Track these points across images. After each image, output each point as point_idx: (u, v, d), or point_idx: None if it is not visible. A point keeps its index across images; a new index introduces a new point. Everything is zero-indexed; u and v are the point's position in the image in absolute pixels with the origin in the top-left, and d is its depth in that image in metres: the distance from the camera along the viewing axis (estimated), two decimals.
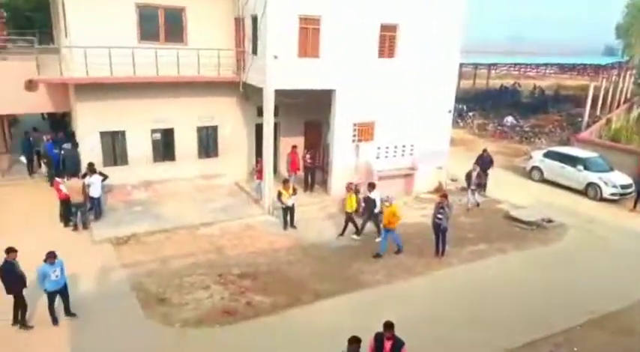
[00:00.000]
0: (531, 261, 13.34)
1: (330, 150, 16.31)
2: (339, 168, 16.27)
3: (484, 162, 18.07)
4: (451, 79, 17.73)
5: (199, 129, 16.72)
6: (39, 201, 15.09)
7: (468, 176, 16.85)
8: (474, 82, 43.83)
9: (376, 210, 13.62)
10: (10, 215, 14.24)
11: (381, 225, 13.34)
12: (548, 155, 20.44)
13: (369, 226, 14.05)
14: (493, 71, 44.02)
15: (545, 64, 37.45)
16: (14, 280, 9.08)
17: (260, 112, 15.50)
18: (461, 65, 18.48)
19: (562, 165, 19.59)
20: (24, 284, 9.25)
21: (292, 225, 14.26)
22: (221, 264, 12.15)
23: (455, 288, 11.80)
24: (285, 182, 14.36)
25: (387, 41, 15.79)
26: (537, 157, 20.84)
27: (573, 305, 11.17)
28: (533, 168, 20.73)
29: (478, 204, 17.02)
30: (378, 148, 16.83)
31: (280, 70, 14.19)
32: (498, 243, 14.32)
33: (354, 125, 16.22)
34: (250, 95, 16.38)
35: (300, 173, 16.86)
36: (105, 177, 14.09)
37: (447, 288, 11.79)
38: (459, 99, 19.58)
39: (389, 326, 7.28)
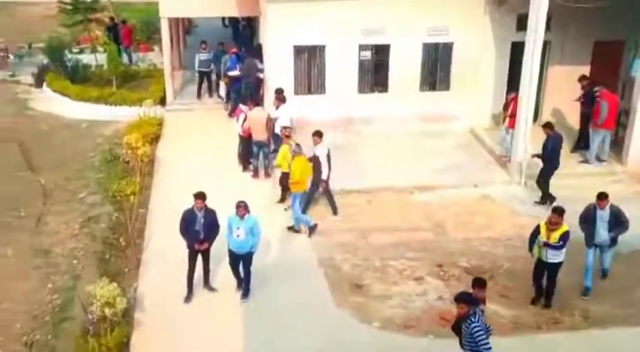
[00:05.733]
0: None
1: (636, 90, 14.85)
2: None
3: (549, 142, 13.89)
4: None
5: (426, 48, 16.89)
6: (212, 134, 17.32)
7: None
8: None
9: (324, 176, 13.23)
10: (180, 149, 16.63)
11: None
12: None
13: None
14: None
15: None
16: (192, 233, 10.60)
17: (521, 25, 15.23)
18: None
19: None
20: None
21: None
22: (441, 250, 12.42)
23: None
24: None
25: None
26: None
27: None
28: None
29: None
30: None
31: None
32: None
33: None
34: None
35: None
36: None
37: None
38: None
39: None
